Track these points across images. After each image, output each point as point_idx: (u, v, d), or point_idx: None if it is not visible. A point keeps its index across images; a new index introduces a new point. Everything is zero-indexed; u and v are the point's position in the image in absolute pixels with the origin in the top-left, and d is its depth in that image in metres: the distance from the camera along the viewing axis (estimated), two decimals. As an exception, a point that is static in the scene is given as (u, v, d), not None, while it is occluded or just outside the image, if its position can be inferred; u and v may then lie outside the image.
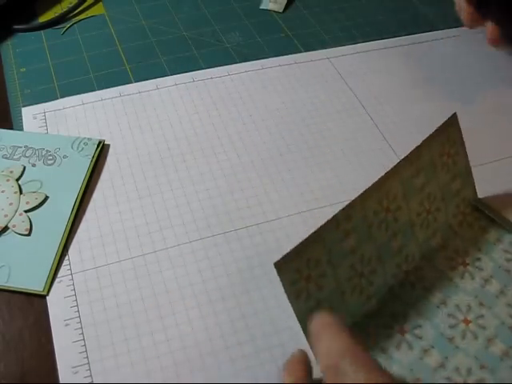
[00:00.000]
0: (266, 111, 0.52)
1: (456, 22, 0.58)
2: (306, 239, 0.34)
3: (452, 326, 0.37)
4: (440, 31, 0.60)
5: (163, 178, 0.46)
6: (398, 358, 0.35)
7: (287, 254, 0.33)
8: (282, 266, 0.33)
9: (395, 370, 0.35)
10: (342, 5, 0.64)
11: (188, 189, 0.46)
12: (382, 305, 0.37)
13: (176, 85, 0.54)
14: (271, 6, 0.63)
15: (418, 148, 0.38)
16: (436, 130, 0.39)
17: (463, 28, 0.57)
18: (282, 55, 0.57)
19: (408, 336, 0.36)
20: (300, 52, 0.58)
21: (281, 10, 0.63)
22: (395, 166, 0.37)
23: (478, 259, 0.40)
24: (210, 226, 0.43)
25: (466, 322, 0.37)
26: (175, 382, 0.36)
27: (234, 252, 0.42)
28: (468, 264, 0.40)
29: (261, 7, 0.63)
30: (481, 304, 0.37)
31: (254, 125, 0.51)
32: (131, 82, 0.54)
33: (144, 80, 0.54)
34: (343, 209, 0.35)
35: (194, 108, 0.52)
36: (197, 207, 0.44)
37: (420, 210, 0.39)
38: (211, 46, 0.58)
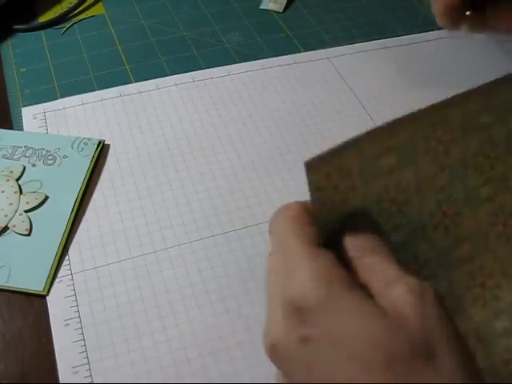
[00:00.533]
0: (266, 111, 0.52)
1: (456, 22, 0.58)
2: (342, 145, 0.30)
3: (467, 288, 0.33)
4: (440, 31, 0.60)
5: (163, 178, 0.46)
6: None
7: (320, 155, 0.29)
8: (312, 166, 0.29)
9: None
10: (342, 5, 0.64)
11: (188, 189, 0.46)
12: (409, 240, 0.32)
13: (176, 85, 0.54)
14: (271, 6, 0.63)
15: (491, 83, 0.32)
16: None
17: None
18: (282, 55, 0.57)
19: None
20: (300, 52, 0.58)
21: (281, 10, 0.63)
22: (460, 95, 0.31)
23: None
24: (210, 226, 0.43)
25: (483, 286, 0.33)
26: (175, 382, 0.36)
27: (234, 252, 0.42)
28: (509, 226, 0.35)
29: (261, 7, 0.63)
30: (503, 274, 0.33)
31: (254, 125, 0.51)
32: (131, 82, 0.54)
33: (144, 80, 0.54)
34: (387, 123, 0.30)
35: (194, 108, 0.52)
36: (197, 207, 0.44)
37: (478, 151, 0.33)
38: (211, 46, 0.58)
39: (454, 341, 0.25)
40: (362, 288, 0.26)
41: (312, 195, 0.29)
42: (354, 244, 0.28)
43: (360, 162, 0.30)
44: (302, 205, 0.29)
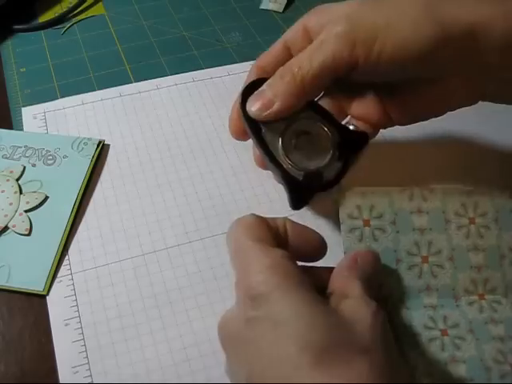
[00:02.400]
0: (266, 111, 0.52)
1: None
2: (374, 189, 0.33)
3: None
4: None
5: (163, 178, 0.46)
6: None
7: (351, 189, 0.33)
8: (344, 196, 0.32)
9: None
10: (342, 5, 0.64)
11: (188, 189, 0.46)
12: (440, 303, 0.34)
13: (176, 85, 0.54)
14: (271, 6, 0.63)
15: None
16: None
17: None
18: (282, 55, 0.57)
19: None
20: (300, 52, 0.58)
21: (281, 10, 0.63)
22: (486, 186, 0.35)
23: None
24: (210, 226, 0.43)
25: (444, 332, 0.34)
26: (175, 382, 0.36)
27: (233, 252, 0.42)
28: None
29: (261, 7, 0.63)
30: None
31: (254, 125, 0.51)
32: (131, 82, 0.54)
33: (144, 80, 0.54)
34: (420, 188, 0.33)
35: (194, 108, 0.52)
36: (197, 207, 0.44)
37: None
38: (211, 46, 0.58)
39: (390, 351, 0.27)
40: (314, 287, 0.29)
41: (343, 220, 0.33)
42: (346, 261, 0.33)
43: (391, 208, 0.33)
44: (256, 216, 0.32)
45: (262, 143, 0.35)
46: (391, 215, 0.34)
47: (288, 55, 0.38)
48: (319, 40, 0.34)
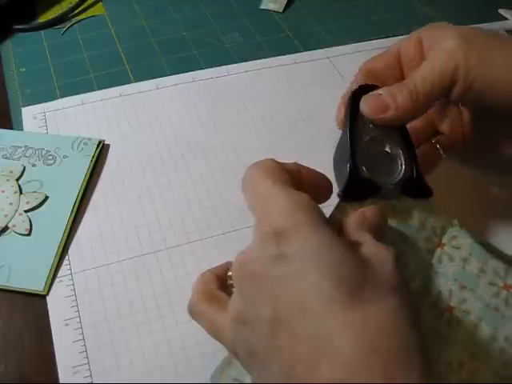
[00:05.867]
0: (265, 111, 0.52)
1: (457, 21, 0.58)
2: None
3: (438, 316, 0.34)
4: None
5: (163, 178, 0.46)
6: None
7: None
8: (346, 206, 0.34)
9: None
10: (342, 5, 0.64)
11: (188, 189, 0.46)
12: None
13: (176, 85, 0.54)
14: (271, 6, 0.63)
15: None
16: None
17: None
18: (282, 55, 0.57)
19: None
20: (300, 52, 0.58)
21: (281, 10, 0.63)
22: None
23: None
24: (210, 226, 0.43)
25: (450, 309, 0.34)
26: (175, 382, 0.36)
27: (234, 253, 0.42)
28: None
29: (261, 7, 0.63)
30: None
31: (253, 125, 0.51)
32: (131, 82, 0.54)
33: (144, 80, 0.54)
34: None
35: (194, 108, 0.52)
36: (197, 207, 0.44)
37: None
38: (211, 46, 0.58)
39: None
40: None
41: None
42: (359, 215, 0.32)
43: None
44: (274, 160, 0.31)
45: (350, 135, 0.36)
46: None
47: (398, 63, 0.41)
48: (429, 57, 0.37)
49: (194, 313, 0.32)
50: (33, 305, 0.39)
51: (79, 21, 0.61)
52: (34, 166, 0.46)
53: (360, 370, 0.23)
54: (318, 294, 0.25)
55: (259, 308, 0.26)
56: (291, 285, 0.26)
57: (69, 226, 0.42)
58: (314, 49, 0.58)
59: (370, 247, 0.29)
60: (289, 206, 0.28)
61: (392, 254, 0.28)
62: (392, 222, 0.35)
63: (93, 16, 0.61)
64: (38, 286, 0.39)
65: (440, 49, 0.36)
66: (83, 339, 0.37)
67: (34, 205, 0.43)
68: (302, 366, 0.24)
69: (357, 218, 0.32)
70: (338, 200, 0.35)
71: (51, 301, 0.39)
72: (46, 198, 0.44)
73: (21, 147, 0.47)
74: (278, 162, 0.31)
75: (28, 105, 0.51)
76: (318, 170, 0.47)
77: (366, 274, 0.26)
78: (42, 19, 0.60)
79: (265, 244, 0.27)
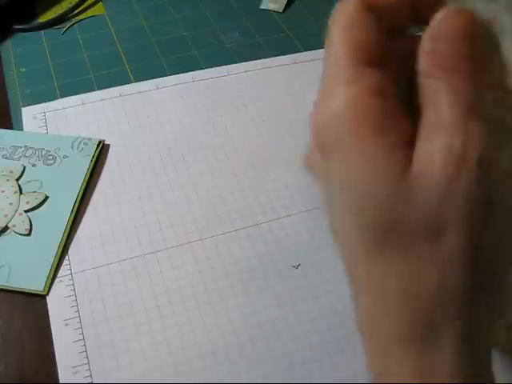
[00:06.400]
0: (266, 111, 0.52)
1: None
2: None
3: None
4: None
5: (163, 178, 0.46)
6: None
7: None
8: None
9: None
10: (342, 5, 0.64)
11: (188, 189, 0.46)
12: None
13: (176, 85, 0.54)
14: (271, 6, 0.63)
15: None
16: None
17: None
18: (282, 55, 0.57)
19: None
20: (300, 52, 0.58)
21: (281, 10, 0.63)
22: None
23: None
24: (210, 226, 0.43)
25: None
26: (175, 382, 0.36)
27: (233, 253, 0.42)
28: None
29: (261, 7, 0.63)
30: None
31: (253, 125, 0.51)
32: (131, 82, 0.54)
33: (144, 80, 0.54)
34: None
35: (194, 108, 0.52)
36: (197, 207, 0.44)
37: None
38: (211, 46, 0.58)
39: (470, 235, 0.21)
40: (397, 126, 0.22)
41: None
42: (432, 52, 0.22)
43: None
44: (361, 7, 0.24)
45: None
46: None
47: None
48: None
49: None
50: (33, 305, 0.39)
51: (79, 21, 0.61)
52: (34, 166, 0.46)
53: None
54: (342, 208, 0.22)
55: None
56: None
57: (69, 226, 0.42)
58: (314, 49, 0.58)
59: (423, 154, 0.21)
60: (340, 110, 0.22)
61: (449, 163, 0.20)
62: None
63: (93, 16, 0.61)
64: (38, 286, 0.39)
65: None
66: (83, 339, 0.37)
67: (34, 205, 0.43)
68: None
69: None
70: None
71: (51, 301, 0.39)
72: (46, 197, 0.44)
73: (21, 147, 0.47)
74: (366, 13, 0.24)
75: (28, 105, 0.51)
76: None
77: (402, 218, 0.21)
78: (42, 19, 0.60)
79: (312, 150, 0.25)
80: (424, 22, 0.22)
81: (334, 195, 0.23)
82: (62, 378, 0.36)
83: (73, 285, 0.40)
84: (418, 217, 0.21)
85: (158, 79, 0.54)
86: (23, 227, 0.42)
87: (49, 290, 0.39)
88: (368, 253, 0.22)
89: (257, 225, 0.44)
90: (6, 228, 0.42)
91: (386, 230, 0.21)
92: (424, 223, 0.21)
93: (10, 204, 0.43)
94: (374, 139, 0.21)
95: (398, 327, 0.22)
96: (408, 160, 0.21)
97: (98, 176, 0.46)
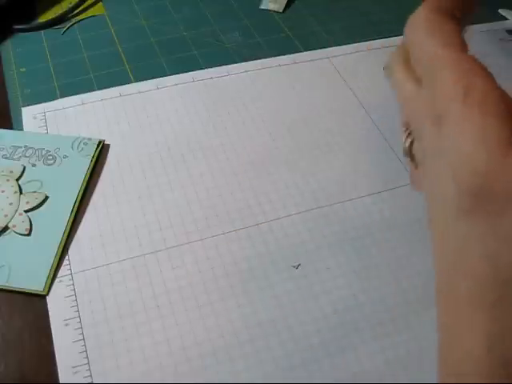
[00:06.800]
0: (265, 111, 0.52)
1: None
2: None
3: None
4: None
5: (163, 178, 0.46)
6: None
7: None
8: None
9: None
10: (342, 5, 0.64)
11: (188, 189, 0.46)
12: None
13: (176, 85, 0.54)
14: (271, 6, 0.63)
15: None
16: None
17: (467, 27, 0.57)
18: (282, 55, 0.57)
19: None
20: (300, 52, 0.58)
21: (281, 10, 0.63)
22: None
23: None
24: (210, 226, 0.43)
25: None
26: (175, 382, 0.36)
27: (233, 253, 0.42)
28: None
29: (261, 7, 0.63)
30: None
31: (253, 125, 0.51)
32: (131, 82, 0.54)
33: (144, 80, 0.54)
34: None
35: (194, 108, 0.52)
36: (197, 207, 0.44)
37: None
38: (211, 46, 0.58)
39: None
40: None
41: None
42: None
43: None
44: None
45: None
46: None
47: None
48: None
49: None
50: (33, 305, 0.39)
51: (79, 21, 0.61)
52: (34, 166, 0.46)
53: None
54: (447, 198, 0.24)
55: None
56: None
57: (69, 226, 0.42)
58: (314, 49, 0.58)
59: None
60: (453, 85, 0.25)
61: None
62: None
63: (93, 16, 0.61)
64: (38, 286, 0.39)
65: None
66: (83, 339, 0.37)
67: (34, 205, 0.43)
68: None
69: None
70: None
71: (51, 301, 0.39)
72: (46, 198, 0.44)
73: (21, 147, 0.47)
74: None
75: (28, 105, 0.51)
76: (318, 169, 0.47)
77: (500, 184, 0.23)
78: (42, 19, 0.60)
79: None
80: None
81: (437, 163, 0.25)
82: (62, 378, 0.36)
83: (73, 285, 0.40)
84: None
85: (157, 79, 0.54)
86: (23, 227, 0.42)
87: (49, 290, 0.39)
88: (459, 215, 0.24)
89: (257, 225, 0.44)
90: (5, 228, 0.42)
91: (484, 195, 0.23)
92: None
93: (10, 204, 0.43)
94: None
95: (474, 288, 0.23)
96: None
97: (98, 176, 0.46)
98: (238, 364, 0.37)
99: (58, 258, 0.41)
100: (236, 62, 0.56)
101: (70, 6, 0.61)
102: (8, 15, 0.59)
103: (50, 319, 0.38)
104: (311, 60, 0.57)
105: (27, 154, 0.46)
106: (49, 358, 0.37)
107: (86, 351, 0.37)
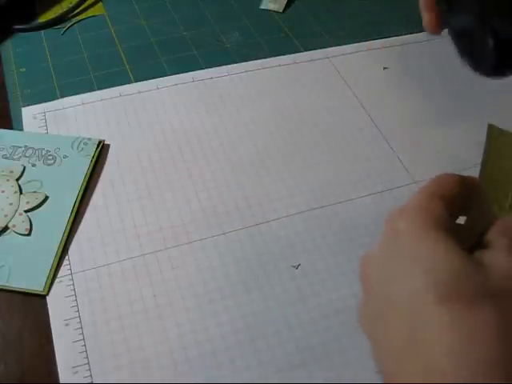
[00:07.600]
0: (265, 111, 0.52)
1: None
2: None
3: None
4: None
5: (163, 178, 0.46)
6: None
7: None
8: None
9: None
10: (342, 5, 0.64)
11: (188, 189, 0.46)
12: None
13: (176, 85, 0.54)
14: (271, 6, 0.63)
15: None
16: None
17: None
18: (282, 55, 0.57)
19: None
20: (300, 52, 0.58)
21: (281, 10, 0.63)
22: None
23: None
24: (210, 226, 0.43)
25: None
26: (175, 382, 0.36)
27: (233, 252, 0.42)
28: None
29: (261, 7, 0.63)
30: None
31: (253, 125, 0.51)
32: (131, 82, 0.54)
33: (144, 80, 0.54)
34: None
35: (194, 108, 0.52)
36: (197, 207, 0.44)
37: None
38: (211, 46, 0.58)
39: None
40: (458, 234, 0.27)
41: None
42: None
43: None
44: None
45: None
46: None
47: None
48: None
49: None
50: (33, 305, 0.39)
51: (79, 21, 0.61)
52: (33, 166, 0.46)
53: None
54: (414, 294, 0.26)
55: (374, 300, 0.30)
56: (395, 278, 0.27)
57: (69, 226, 0.42)
58: (314, 49, 0.58)
59: (497, 256, 0.27)
60: (411, 209, 0.28)
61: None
62: None
63: (93, 16, 0.61)
64: (38, 286, 0.39)
65: None
66: (83, 339, 0.37)
67: (34, 205, 0.43)
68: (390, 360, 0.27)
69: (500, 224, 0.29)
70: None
71: (51, 301, 0.39)
72: (46, 198, 0.44)
73: (21, 147, 0.47)
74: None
75: (28, 105, 0.51)
76: (318, 169, 0.47)
77: (468, 279, 0.25)
78: (42, 19, 0.60)
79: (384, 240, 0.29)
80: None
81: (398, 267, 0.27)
82: (62, 378, 0.36)
83: (73, 285, 0.40)
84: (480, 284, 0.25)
85: (157, 79, 0.54)
86: (23, 227, 0.42)
87: (49, 290, 0.39)
88: (435, 302, 0.25)
89: (257, 225, 0.44)
90: (6, 228, 0.42)
91: (455, 289, 0.25)
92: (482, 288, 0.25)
93: (10, 204, 0.43)
94: (442, 233, 0.27)
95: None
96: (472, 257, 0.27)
97: (98, 176, 0.46)
98: (238, 364, 0.37)
99: (58, 258, 0.41)
100: (236, 62, 0.56)
101: (70, 6, 0.61)
102: (8, 15, 0.59)
103: (50, 319, 0.38)
104: (311, 60, 0.57)
105: (27, 154, 0.46)
106: (49, 358, 0.37)
107: (86, 351, 0.37)
